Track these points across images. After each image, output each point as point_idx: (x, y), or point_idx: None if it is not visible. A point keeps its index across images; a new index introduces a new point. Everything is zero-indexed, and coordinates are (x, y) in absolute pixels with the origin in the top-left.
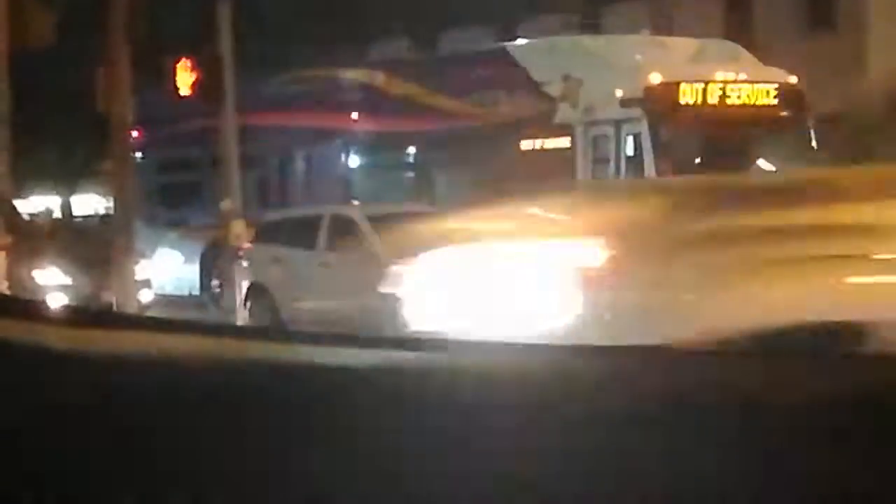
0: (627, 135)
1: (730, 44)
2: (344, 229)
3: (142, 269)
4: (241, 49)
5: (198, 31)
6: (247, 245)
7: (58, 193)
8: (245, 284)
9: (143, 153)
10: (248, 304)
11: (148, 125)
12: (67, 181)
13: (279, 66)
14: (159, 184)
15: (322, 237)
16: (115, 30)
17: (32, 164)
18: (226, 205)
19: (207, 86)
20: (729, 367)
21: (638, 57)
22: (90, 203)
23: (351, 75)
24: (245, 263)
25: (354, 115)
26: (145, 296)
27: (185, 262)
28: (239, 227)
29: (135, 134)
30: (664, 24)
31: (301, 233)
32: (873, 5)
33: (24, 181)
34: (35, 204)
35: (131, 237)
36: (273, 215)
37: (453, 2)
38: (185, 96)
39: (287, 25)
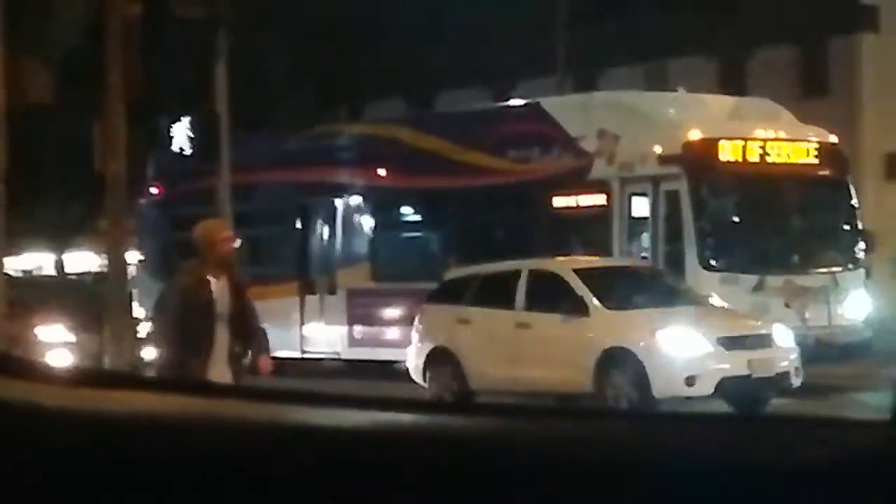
0: (665, 192)
1: (768, 102)
2: (548, 286)
3: (145, 327)
4: (238, 107)
5: (195, 89)
6: (427, 305)
7: (51, 250)
8: (425, 349)
9: (160, 209)
10: (428, 371)
11: (166, 182)
12: (61, 238)
13: (274, 123)
14: (175, 240)
15: (520, 295)
16: (112, 88)
17: (26, 220)
18: None
19: (204, 143)
20: (730, 432)
21: (676, 113)
22: (84, 261)
23: (377, 130)
24: (423, 325)
25: (381, 171)
26: (148, 353)
27: None
28: None
29: (154, 190)
30: (659, 88)
31: (494, 290)
32: (866, 72)
33: (18, 238)
34: (28, 261)
35: (126, 295)
36: (456, 272)
37: (448, 63)
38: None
39: (282, 84)
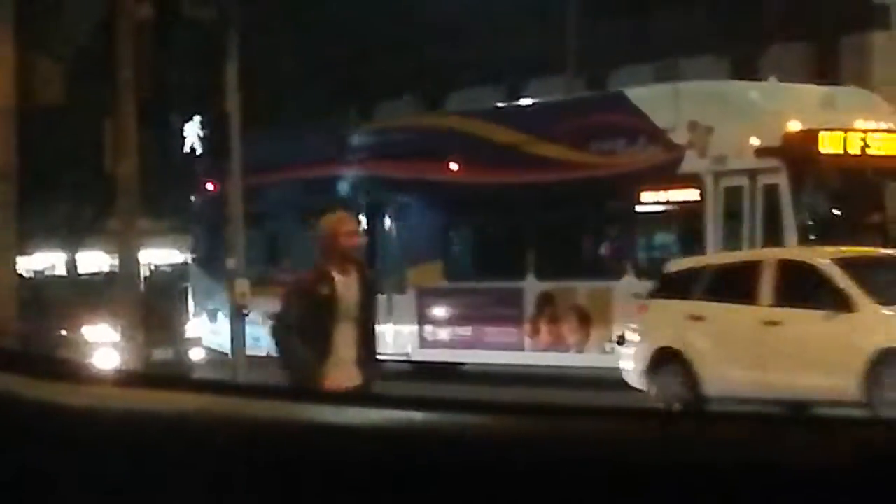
0: (764, 186)
1: (864, 91)
2: (802, 278)
3: (192, 327)
4: (249, 105)
5: (206, 88)
6: (647, 301)
7: (63, 250)
8: (647, 350)
9: (215, 205)
10: (652, 375)
11: (221, 177)
12: (73, 238)
13: (285, 122)
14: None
15: (766, 288)
16: (123, 87)
17: (38, 219)
18: (230, 264)
19: (215, 143)
20: (722, 429)
21: (773, 103)
22: (96, 260)
23: (448, 122)
24: (646, 323)
25: (454, 165)
26: (196, 354)
27: (262, 320)
28: (243, 286)
29: (209, 186)
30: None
31: (732, 283)
32: (877, 70)
33: (30, 237)
34: (41, 260)
35: (136, 295)
36: (681, 263)
37: (459, 61)
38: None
39: (293, 82)
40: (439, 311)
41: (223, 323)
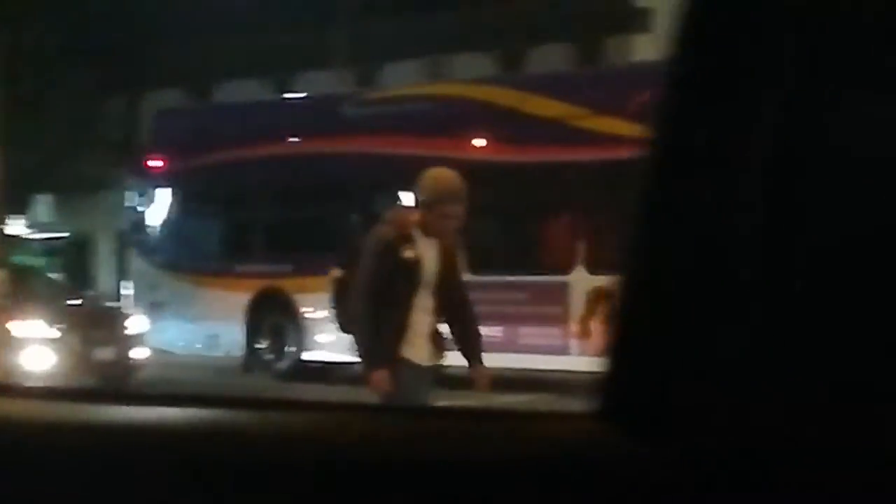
0: None
1: None
2: None
3: (136, 323)
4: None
5: None
6: None
7: None
8: None
9: (164, 185)
10: None
11: (173, 151)
12: None
13: (50, 106)
14: (188, 224)
15: None
16: None
17: None
18: None
19: None
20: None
21: None
22: None
23: (460, 90)
24: None
25: (479, 142)
26: (139, 353)
27: (223, 316)
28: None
29: (155, 163)
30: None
31: None
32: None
33: None
34: None
35: None
36: None
37: (227, 54)
38: None
39: (57, 68)
40: None
41: (168, 320)
